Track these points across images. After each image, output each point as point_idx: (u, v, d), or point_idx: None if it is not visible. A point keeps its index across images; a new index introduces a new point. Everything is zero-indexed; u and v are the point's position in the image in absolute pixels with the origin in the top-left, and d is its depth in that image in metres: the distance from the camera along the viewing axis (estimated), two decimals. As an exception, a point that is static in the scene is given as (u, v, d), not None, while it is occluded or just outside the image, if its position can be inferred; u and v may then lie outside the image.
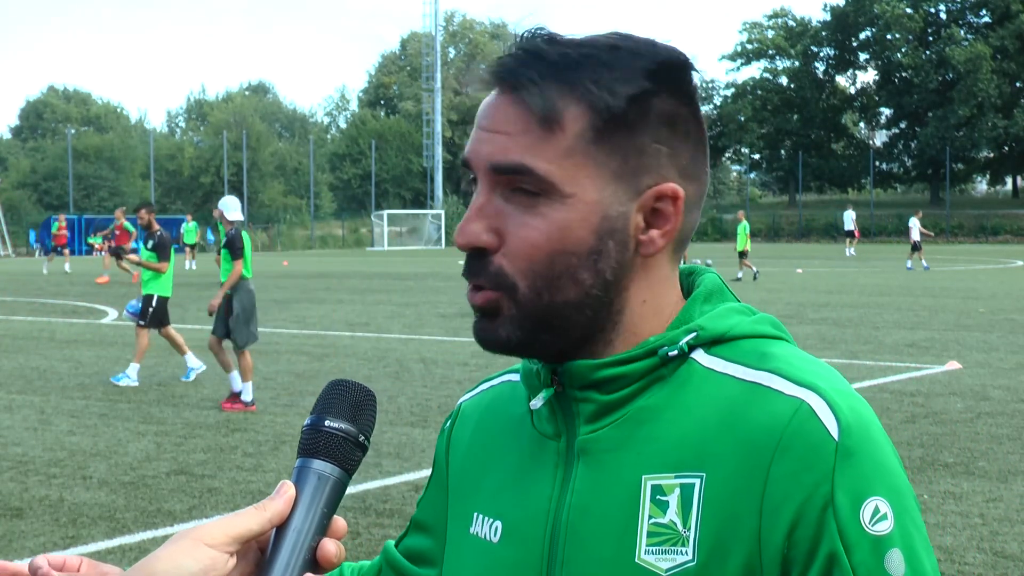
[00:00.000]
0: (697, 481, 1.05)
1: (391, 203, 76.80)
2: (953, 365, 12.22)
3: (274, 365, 12.67)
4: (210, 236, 63.33)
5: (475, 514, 1.20)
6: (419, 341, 15.01)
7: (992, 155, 76.77)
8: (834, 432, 1.01)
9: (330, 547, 0.96)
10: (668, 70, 1.08)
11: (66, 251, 37.91)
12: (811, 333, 15.61)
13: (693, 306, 1.13)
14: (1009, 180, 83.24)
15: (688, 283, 1.19)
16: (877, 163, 79.17)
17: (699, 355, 1.10)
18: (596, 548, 1.08)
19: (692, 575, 1.03)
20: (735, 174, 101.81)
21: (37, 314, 19.94)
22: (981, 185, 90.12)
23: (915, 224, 34.51)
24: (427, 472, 7.43)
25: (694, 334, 1.10)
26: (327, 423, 0.99)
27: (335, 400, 1.01)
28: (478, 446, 1.24)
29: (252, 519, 0.95)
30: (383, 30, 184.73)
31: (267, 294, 23.81)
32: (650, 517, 1.06)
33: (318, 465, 0.98)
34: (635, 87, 1.06)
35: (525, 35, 1.10)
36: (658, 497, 1.06)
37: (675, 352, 1.09)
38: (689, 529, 1.04)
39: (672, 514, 1.05)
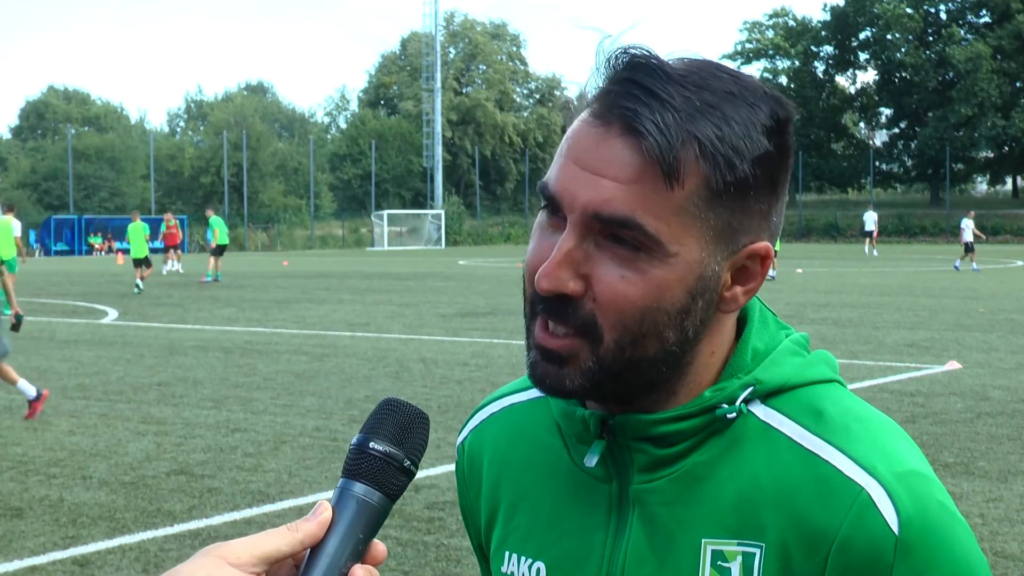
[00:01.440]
0: (758, 551, 1.03)
1: (391, 203, 76.78)
2: (953, 365, 12.22)
3: (274, 365, 12.67)
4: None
5: (507, 553, 1.16)
6: (419, 341, 15.01)
7: (992, 155, 76.78)
8: (894, 526, 0.99)
9: (360, 574, 0.92)
10: (781, 127, 1.03)
11: (178, 251, 36.24)
12: (811, 333, 15.60)
13: (746, 348, 1.08)
14: (1009, 180, 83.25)
15: None
16: (877, 163, 79.20)
17: (756, 407, 1.07)
18: None
19: None
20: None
21: (37, 314, 19.93)
22: (981, 185, 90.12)
23: (968, 225, 34.45)
24: (427, 472, 7.42)
25: (751, 388, 1.06)
26: (372, 445, 0.96)
27: (383, 420, 0.97)
28: (507, 480, 1.19)
29: (282, 539, 0.91)
30: (383, 30, 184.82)
31: (267, 294, 23.84)
32: None
33: (359, 488, 0.95)
34: (757, 148, 1.00)
35: (624, 57, 1.01)
36: (719, 563, 1.05)
37: (733, 415, 1.05)
38: None
39: None
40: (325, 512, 0.92)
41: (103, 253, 55.73)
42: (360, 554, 0.93)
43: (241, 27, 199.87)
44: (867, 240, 48.12)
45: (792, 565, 1.02)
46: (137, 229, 26.63)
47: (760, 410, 1.06)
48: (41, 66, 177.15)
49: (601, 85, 1.02)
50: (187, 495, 6.92)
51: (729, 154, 0.99)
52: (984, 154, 76.63)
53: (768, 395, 1.06)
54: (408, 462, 0.96)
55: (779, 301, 21.03)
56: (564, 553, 1.11)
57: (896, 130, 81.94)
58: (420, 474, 7.45)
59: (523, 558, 1.14)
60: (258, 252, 61.35)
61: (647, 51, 1.01)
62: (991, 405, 9.87)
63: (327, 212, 78.30)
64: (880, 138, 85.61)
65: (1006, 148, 74.73)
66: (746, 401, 1.06)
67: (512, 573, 1.15)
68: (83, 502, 6.79)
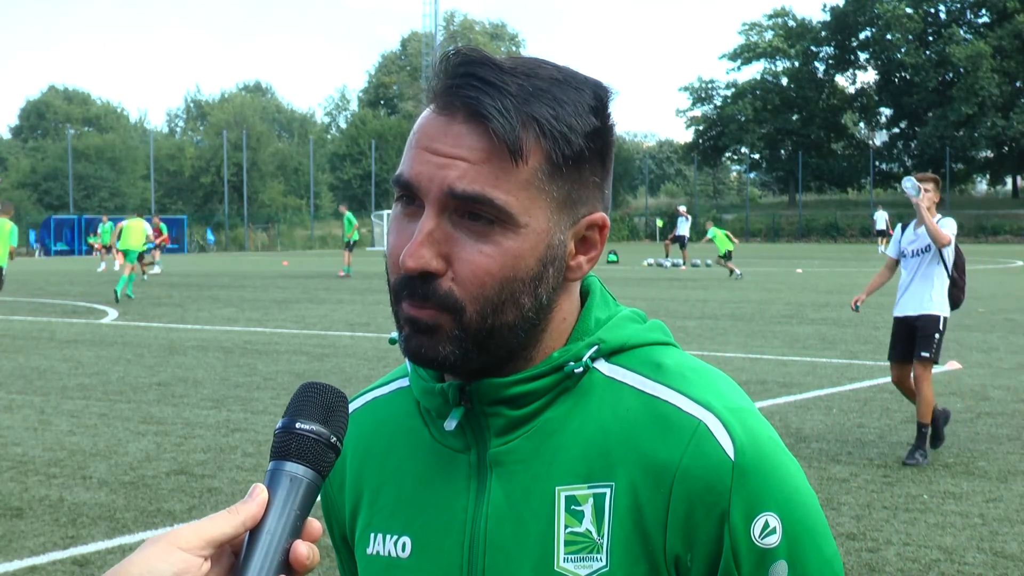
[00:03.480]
0: (607, 490, 1.11)
1: (391, 203, 76.54)
2: (953, 365, 12.22)
3: (274, 365, 12.67)
4: (210, 236, 63.45)
5: (372, 535, 1.21)
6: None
7: (992, 155, 76.77)
8: (730, 452, 1.08)
9: (302, 549, 0.96)
10: (604, 105, 1.12)
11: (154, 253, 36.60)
12: (811, 333, 15.61)
13: (589, 316, 1.17)
14: (1009, 180, 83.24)
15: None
16: (877, 163, 79.19)
17: (600, 364, 1.15)
18: (516, 557, 1.12)
19: None
20: (735, 174, 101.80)
21: (37, 314, 19.93)
22: (981, 185, 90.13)
23: (882, 216, 34.61)
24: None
25: (595, 347, 1.15)
26: (299, 425, 0.99)
27: (307, 403, 1.01)
28: (368, 469, 1.23)
29: (225, 522, 0.95)
30: (383, 30, 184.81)
31: (267, 294, 23.84)
32: (566, 527, 1.11)
33: (290, 467, 0.98)
34: (587, 125, 1.10)
35: (459, 56, 1.10)
36: (573, 507, 1.11)
37: (580, 369, 1.13)
38: (602, 537, 1.10)
39: (588, 523, 1.11)
40: (262, 493, 0.96)
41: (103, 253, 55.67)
42: (298, 530, 0.96)
43: (241, 27, 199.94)
44: (880, 239, 48.78)
45: (640, 500, 1.09)
46: (138, 227, 25.83)
47: (604, 367, 1.15)
48: (41, 66, 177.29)
49: (440, 82, 1.10)
50: (187, 495, 6.92)
51: (564, 131, 1.08)
52: (984, 154, 76.62)
53: (611, 354, 1.15)
54: (335, 438, 1.00)
55: (779, 301, 21.04)
56: (428, 524, 1.17)
57: (896, 130, 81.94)
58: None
59: (388, 536, 1.19)
60: (258, 252, 61.36)
61: (477, 49, 1.11)
62: (991, 405, 9.87)
63: (327, 212, 78.28)
64: (880, 138, 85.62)
65: (1006, 148, 74.73)
66: (591, 359, 1.14)
67: (378, 552, 1.19)
68: (83, 502, 6.79)
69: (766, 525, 1.08)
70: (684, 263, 36.27)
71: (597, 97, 1.12)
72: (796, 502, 1.10)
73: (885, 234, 48.20)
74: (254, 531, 0.95)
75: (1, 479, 7.39)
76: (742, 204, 79.63)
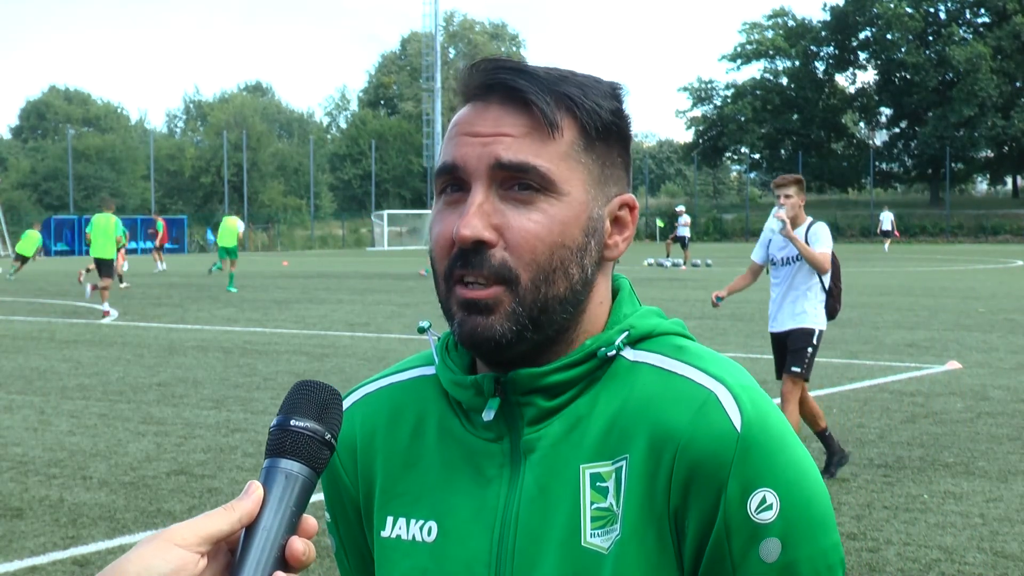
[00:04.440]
0: (623, 463, 1.14)
1: (391, 203, 76.80)
2: (953, 365, 12.22)
3: (274, 365, 12.67)
4: (210, 236, 63.41)
5: (389, 518, 1.23)
6: (419, 341, 14.99)
7: (992, 155, 76.75)
8: (737, 424, 1.11)
9: (298, 545, 0.96)
10: (620, 94, 1.21)
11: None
12: (811, 333, 15.59)
13: (620, 308, 1.23)
14: (1009, 180, 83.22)
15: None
16: (877, 163, 79.16)
17: (626, 352, 1.20)
18: (544, 537, 1.15)
19: (620, 547, 1.13)
20: (735, 174, 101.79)
21: (37, 314, 19.93)
22: (981, 185, 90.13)
23: (888, 217, 34.83)
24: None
25: (626, 333, 1.20)
26: (293, 422, 1.00)
27: (301, 400, 1.01)
28: (386, 452, 1.26)
29: (222, 519, 0.95)
30: (383, 30, 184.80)
31: (267, 294, 23.83)
32: (592, 503, 1.15)
33: (286, 464, 0.98)
34: (612, 104, 1.19)
35: (485, 61, 1.18)
36: (598, 484, 1.15)
37: (612, 352, 1.18)
38: (619, 507, 1.14)
39: (611, 498, 1.14)
40: (257, 490, 0.97)
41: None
42: (294, 527, 0.97)
43: (241, 27, 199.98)
44: (885, 240, 49.86)
45: (650, 467, 1.13)
46: (106, 224, 20.38)
47: (630, 353, 1.19)
48: (41, 66, 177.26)
49: (473, 78, 1.18)
50: (187, 495, 6.92)
51: (593, 106, 1.17)
52: (984, 154, 76.58)
53: (637, 341, 1.20)
54: (329, 435, 1.01)
55: (779, 301, 21.00)
56: (456, 510, 1.19)
57: (896, 130, 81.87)
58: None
59: (413, 520, 1.22)
60: (258, 252, 61.37)
61: (502, 58, 1.20)
62: (991, 405, 9.87)
63: (327, 212, 78.30)
64: (880, 138, 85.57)
65: (1006, 148, 74.68)
66: (621, 344, 1.19)
67: (399, 536, 1.22)
68: (83, 502, 6.79)
69: (763, 501, 1.10)
70: (684, 263, 36.27)
71: (613, 88, 1.21)
72: (800, 485, 1.11)
73: (890, 234, 49.15)
74: (250, 528, 0.96)
75: (1, 479, 7.39)
76: (742, 204, 79.61)
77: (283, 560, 0.96)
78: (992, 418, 9.26)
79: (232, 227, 28.03)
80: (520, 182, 1.14)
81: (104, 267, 19.82)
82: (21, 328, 17.33)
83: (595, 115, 1.17)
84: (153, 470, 7.60)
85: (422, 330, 1.24)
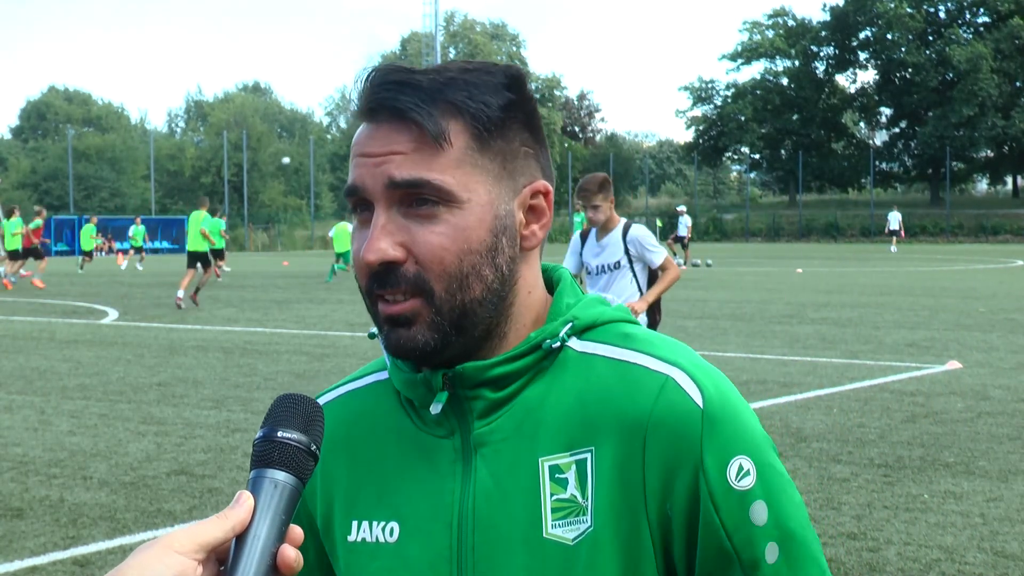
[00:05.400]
0: (588, 455, 1.16)
1: (391, 203, 76.65)
2: (953, 365, 12.22)
3: (274, 365, 12.67)
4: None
5: (354, 522, 1.25)
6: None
7: (992, 155, 76.75)
8: (699, 401, 1.14)
9: (289, 553, 0.98)
10: (517, 82, 1.20)
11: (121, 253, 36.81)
12: (811, 333, 15.61)
13: (561, 299, 1.24)
14: (1009, 180, 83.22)
15: (546, 278, 1.29)
16: (877, 163, 79.16)
17: (573, 342, 1.21)
18: (505, 530, 1.17)
19: (592, 539, 1.14)
20: (735, 174, 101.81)
21: (37, 314, 19.94)
22: (981, 185, 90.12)
23: (895, 217, 35.03)
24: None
25: (570, 324, 1.21)
26: (280, 434, 1.02)
27: (286, 413, 1.04)
28: (348, 457, 1.27)
29: (216, 527, 0.96)
30: (383, 30, 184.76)
31: (267, 294, 23.83)
32: (552, 494, 1.16)
33: (273, 474, 1.00)
34: (502, 98, 1.18)
35: (372, 75, 1.18)
36: (557, 475, 1.17)
37: (557, 344, 1.19)
38: (587, 499, 1.15)
39: (572, 488, 1.16)
40: (249, 499, 0.99)
41: (103, 253, 55.69)
42: (283, 535, 0.99)
43: (241, 27, 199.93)
44: (893, 239, 50.45)
45: (619, 458, 1.14)
46: (194, 219, 22.76)
47: (576, 344, 1.21)
48: (42, 66, 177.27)
49: (361, 97, 1.18)
50: (187, 495, 6.92)
51: (480, 107, 1.16)
52: (984, 154, 76.60)
53: (583, 331, 1.22)
54: (315, 446, 1.03)
55: (779, 301, 21.04)
56: (415, 509, 1.21)
57: (896, 130, 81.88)
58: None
59: (375, 523, 1.23)
60: (258, 252, 61.35)
61: (390, 63, 1.20)
62: (991, 405, 9.86)
63: (327, 212, 78.29)
64: (880, 138, 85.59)
65: (1006, 148, 74.70)
66: (567, 336, 1.20)
67: (363, 539, 1.24)
68: (83, 502, 6.79)
69: (740, 468, 1.14)
70: (684, 263, 36.30)
71: (508, 75, 1.20)
72: (763, 448, 1.16)
73: (897, 234, 49.83)
74: (240, 536, 0.97)
75: (1, 479, 7.39)
76: (742, 204, 79.60)
77: (274, 568, 0.97)
78: (992, 418, 9.26)
79: (346, 231, 28.91)
80: (418, 197, 1.14)
81: (190, 259, 21.54)
82: (21, 328, 17.33)
83: (483, 116, 1.16)
84: (153, 470, 7.60)
85: (372, 336, 1.25)
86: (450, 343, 1.17)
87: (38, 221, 29.66)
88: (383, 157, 1.15)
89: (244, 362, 12.93)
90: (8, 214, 30.56)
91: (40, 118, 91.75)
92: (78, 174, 69.07)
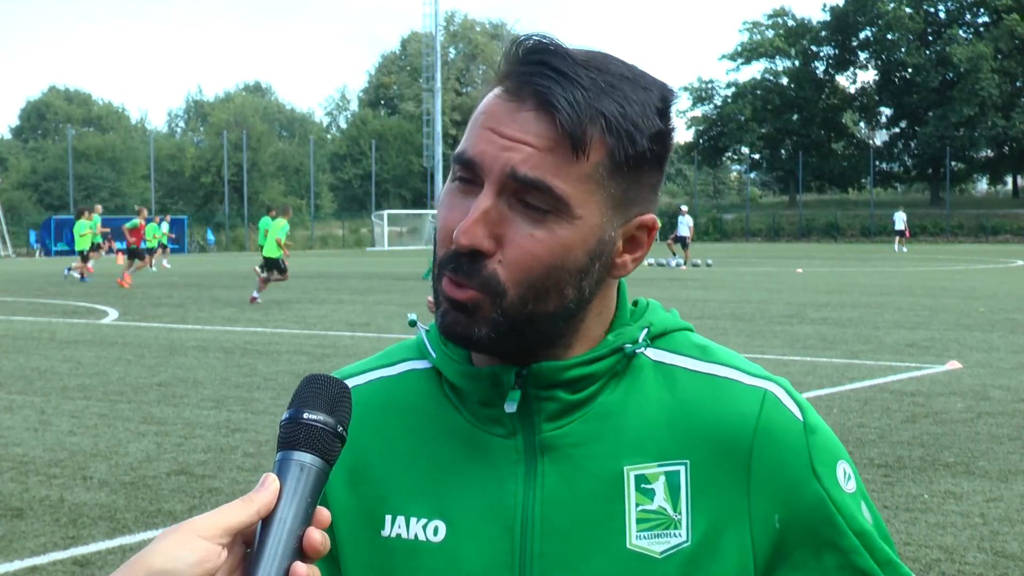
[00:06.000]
0: (682, 468, 1.14)
1: (391, 203, 76.82)
2: (953, 365, 12.21)
3: (274, 365, 12.67)
4: (210, 236, 63.43)
5: (387, 516, 1.19)
6: (419, 341, 14.99)
7: (992, 155, 76.75)
8: (798, 414, 1.16)
9: (316, 536, 0.96)
10: (668, 109, 1.14)
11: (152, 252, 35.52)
12: (811, 333, 15.61)
13: (625, 307, 1.22)
14: (1009, 180, 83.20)
15: None
16: (877, 163, 79.15)
17: (647, 350, 1.20)
18: (578, 538, 1.13)
19: (687, 554, 1.12)
20: (735, 174, 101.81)
21: (37, 314, 19.93)
22: (981, 185, 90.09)
23: (900, 216, 35.16)
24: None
25: (646, 330, 1.19)
26: (306, 415, 1.00)
27: (312, 394, 1.02)
28: (378, 448, 1.21)
29: (241, 511, 0.95)
30: (383, 30, 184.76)
31: (267, 294, 23.82)
32: (637, 505, 1.13)
33: (299, 456, 0.99)
34: (653, 126, 1.11)
35: (535, 42, 1.10)
36: (643, 485, 1.13)
37: (639, 349, 1.17)
38: (680, 513, 1.13)
39: (660, 500, 1.13)
40: (274, 482, 0.97)
41: (102, 253, 55.67)
42: (309, 517, 0.97)
43: (241, 27, 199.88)
44: (897, 238, 51.25)
45: (718, 473, 1.13)
46: (264, 225, 25.61)
47: (651, 352, 1.19)
48: (42, 66, 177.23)
49: (512, 67, 1.10)
50: (188, 495, 6.92)
51: (631, 130, 1.09)
52: (984, 154, 76.60)
53: (655, 337, 1.20)
54: (341, 428, 1.01)
55: (779, 301, 21.04)
56: (466, 509, 1.15)
57: (896, 130, 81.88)
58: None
59: (413, 519, 1.17)
60: (258, 252, 61.34)
61: (552, 38, 1.11)
62: (991, 405, 9.86)
63: (327, 212, 78.27)
64: (880, 138, 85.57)
65: (1006, 148, 74.69)
66: (645, 342, 1.19)
67: (399, 535, 1.18)
68: (83, 502, 6.79)
69: (845, 472, 1.18)
70: (685, 263, 36.29)
71: (663, 99, 1.13)
72: (845, 451, 1.21)
73: (902, 234, 51.02)
74: (266, 519, 0.96)
75: (2, 479, 7.39)
76: (742, 204, 79.59)
77: (300, 551, 0.96)
78: (992, 418, 9.26)
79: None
80: (531, 197, 1.08)
81: (267, 264, 22.63)
82: (21, 328, 17.33)
83: (629, 141, 1.09)
84: (153, 470, 7.60)
85: (412, 323, 1.22)
86: (505, 343, 1.12)
87: (136, 221, 30.14)
88: (513, 143, 1.08)
89: (244, 362, 12.92)
90: (78, 215, 31.39)
91: (40, 118, 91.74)
92: (78, 174, 69.04)
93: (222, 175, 71.17)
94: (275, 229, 22.34)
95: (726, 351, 1.22)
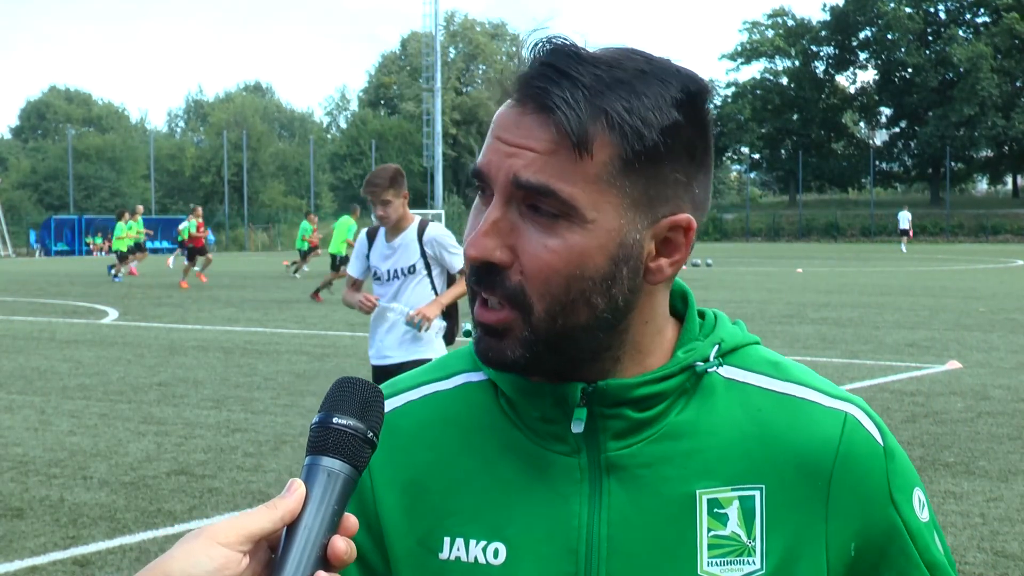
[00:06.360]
0: (757, 493, 1.10)
1: (391, 203, 76.65)
2: (953, 365, 12.21)
3: (274, 365, 12.67)
4: (210, 236, 63.41)
5: (446, 538, 1.14)
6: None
7: (992, 154, 76.77)
8: (878, 438, 1.13)
9: (340, 544, 0.94)
10: (693, 100, 1.07)
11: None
12: (811, 333, 15.61)
13: (692, 322, 1.16)
14: (1009, 179, 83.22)
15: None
16: (877, 162, 79.17)
17: (719, 368, 1.14)
18: (646, 561, 1.09)
19: None
20: (735, 174, 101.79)
21: (37, 314, 19.93)
22: (981, 184, 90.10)
23: (905, 216, 35.28)
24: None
25: (718, 346, 1.14)
26: (335, 420, 0.98)
27: (343, 398, 1.00)
28: (433, 465, 1.16)
29: (264, 517, 0.94)
30: (383, 30, 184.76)
31: (267, 294, 23.84)
32: (709, 530, 1.09)
33: (327, 462, 0.97)
34: (666, 119, 1.05)
35: (545, 45, 1.07)
36: (716, 510, 1.09)
37: (712, 368, 1.13)
38: (754, 539, 1.09)
39: (734, 525, 1.09)
40: (300, 488, 0.95)
41: (103, 253, 55.70)
42: (335, 525, 0.95)
43: (241, 27, 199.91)
44: (903, 239, 51.92)
45: (796, 497, 1.10)
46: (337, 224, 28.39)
47: (723, 369, 1.14)
48: (42, 66, 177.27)
49: (519, 72, 1.08)
50: (188, 495, 6.92)
51: (637, 124, 1.04)
52: (984, 154, 76.61)
53: (725, 354, 1.15)
54: (371, 434, 0.99)
55: (779, 301, 21.03)
56: (527, 530, 1.11)
57: (896, 129, 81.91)
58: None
59: (472, 541, 1.13)
60: (258, 252, 61.35)
61: (564, 39, 1.07)
62: (991, 404, 9.86)
63: (328, 212, 78.25)
64: (880, 138, 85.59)
65: (1006, 148, 74.70)
66: (717, 360, 1.14)
67: (458, 559, 1.13)
68: (83, 502, 6.79)
69: (920, 500, 1.15)
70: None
71: (685, 90, 1.07)
72: (920, 479, 1.17)
73: (907, 234, 51.71)
74: (292, 526, 0.95)
75: (2, 479, 7.39)
76: (742, 204, 79.59)
77: (324, 559, 0.94)
78: (992, 418, 9.26)
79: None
80: (538, 204, 1.04)
81: (333, 261, 24.69)
82: (21, 328, 17.32)
83: (636, 136, 1.04)
84: (153, 470, 7.60)
85: (467, 333, 1.23)
86: (543, 361, 1.08)
87: (193, 222, 30.42)
88: (515, 149, 1.05)
89: (244, 362, 12.92)
90: (119, 216, 32.03)
91: (40, 118, 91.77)
92: (78, 174, 69.06)
93: (222, 175, 71.20)
94: (343, 229, 24.78)
95: (800, 368, 1.17)
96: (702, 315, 1.19)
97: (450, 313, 6.27)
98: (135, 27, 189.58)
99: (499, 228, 1.06)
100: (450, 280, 6.31)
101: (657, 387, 1.10)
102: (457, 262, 6.17)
